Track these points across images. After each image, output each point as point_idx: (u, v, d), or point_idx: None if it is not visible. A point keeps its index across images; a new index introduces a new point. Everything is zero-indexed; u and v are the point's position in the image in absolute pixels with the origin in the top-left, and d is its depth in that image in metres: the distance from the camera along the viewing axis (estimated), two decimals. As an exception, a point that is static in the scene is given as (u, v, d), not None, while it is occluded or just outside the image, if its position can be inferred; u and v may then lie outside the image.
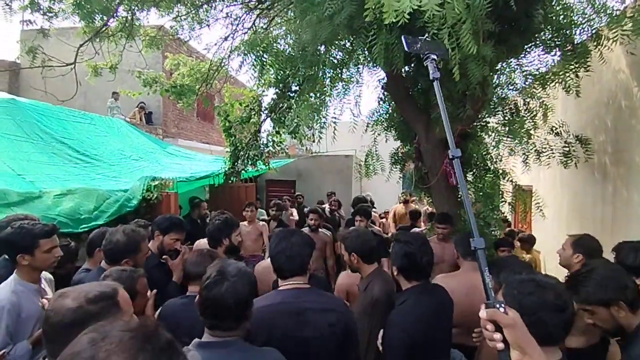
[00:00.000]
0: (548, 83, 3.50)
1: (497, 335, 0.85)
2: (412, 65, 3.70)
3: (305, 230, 4.46)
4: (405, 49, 1.32)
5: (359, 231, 2.35)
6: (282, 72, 4.18)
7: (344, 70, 3.59)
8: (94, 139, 5.55)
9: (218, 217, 3.07)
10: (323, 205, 7.08)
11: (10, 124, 4.50)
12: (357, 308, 2.12)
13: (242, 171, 5.37)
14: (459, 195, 3.88)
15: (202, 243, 3.42)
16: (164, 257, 2.59)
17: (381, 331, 1.88)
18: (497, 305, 0.88)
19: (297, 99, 3.98)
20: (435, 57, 1.30)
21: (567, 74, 3.31)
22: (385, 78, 3.86)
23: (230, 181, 5.63)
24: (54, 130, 4.99)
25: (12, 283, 1.90)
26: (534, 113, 3.95)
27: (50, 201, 3.18)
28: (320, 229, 4.52)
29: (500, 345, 0.85)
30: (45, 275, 2.16)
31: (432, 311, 1.86)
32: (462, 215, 3.76)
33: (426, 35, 2.22)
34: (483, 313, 0.88)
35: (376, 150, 4.83)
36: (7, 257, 2.16)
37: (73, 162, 4.70)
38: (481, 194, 3.92)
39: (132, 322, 0.75)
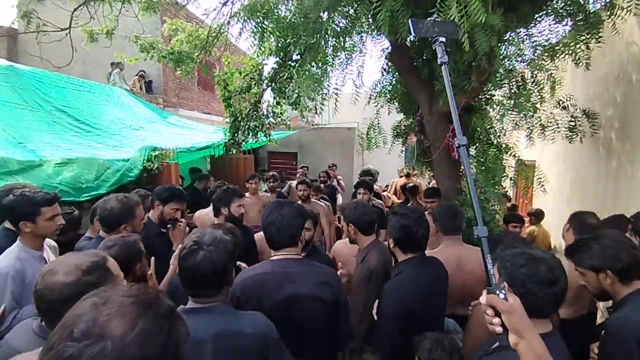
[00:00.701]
0: (557, 54, 3.39)
1: (496, 320, 0.89)
2: (418, 34, 3.58)
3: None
4: (412, 34, 1.27)
5: (358, 203, 2.37)
6: (283, 40, 4.06)
7: (347, 38, 3.47)
8: (93, 107, 5.49)
9: (217, 187, 3.08)
10: (324, 178, 7.07)
11: (10, 91, 4.44)
12: (354, 278, 2.16)
13: (243, 142, 5.33)
14: (461, 169, 3.86)
15: (203, 213, 3.46)
16: (166, 226, 2.62)
17: (377, 301, 1.92)
18: (497, 292, 0.91)
19: (299, 68, 3.88)
20: (444, 39, 1.25)
21: (578, 45, 3.20)
22: (390, 47, 3.74)
23: (230, 152, 5.60)
24: (54, 98, 4.93)
25: (16, 250, 1.93)
26: (541, 86, 3.85)
27: (51, 170, 3.19)
28: (314, 200, 4.56)
29: (499, 329, 0.89)
30: (49, 242, 2.19)
31: (427, 282, 1.89)
32: (462, 189, 3.75)
33: (435, 12, 2.14)
34: (483, 299, 0.92)
35: (378, 123, 4.76)
36: (6, 226, 2.19)
37: (73, 130, 4.67)
38: (483, 168, 3.89)
39: (133, 288, 0.76)
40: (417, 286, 1.85)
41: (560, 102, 4.04)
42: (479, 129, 3.99)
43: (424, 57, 3.68)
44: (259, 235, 3.10)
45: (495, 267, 1.30)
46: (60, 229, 2.12)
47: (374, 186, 5.29)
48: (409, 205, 5.02)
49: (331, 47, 3.47)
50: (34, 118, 4.38)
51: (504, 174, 3.96)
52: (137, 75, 9.57)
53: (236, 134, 5.12)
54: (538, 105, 3.84)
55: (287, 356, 1.46)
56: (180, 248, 1.43)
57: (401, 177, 7.37)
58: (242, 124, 5.10)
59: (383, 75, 4.44)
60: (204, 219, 3.51)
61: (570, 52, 3.29)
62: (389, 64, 4.17)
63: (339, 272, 2.32)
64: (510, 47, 3.54)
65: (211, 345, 1.29)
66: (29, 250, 1.95)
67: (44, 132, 4.23)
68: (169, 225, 2.60)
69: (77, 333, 0.63)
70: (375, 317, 1.92)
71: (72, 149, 4.02)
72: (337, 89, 3.58)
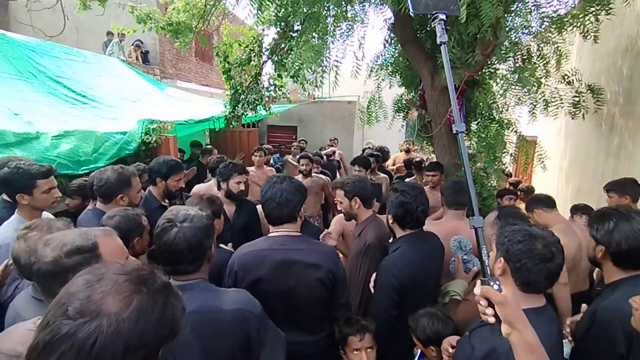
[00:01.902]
0: (565, 27, 3.28)
1: (490, 311, 0.90)
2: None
3: (299, 176, 4.50)
4: (411, 10, 1.20)
5: (360, 177, 2.38)
6: (282, 9, 3.93)
7: (348, 7, 3.36)
8: (89, 78, 5.37)
9: (217, 162, 3.06)
10: (323, 152, 7.05)
11: (2, 60, 4.34)
12: (351, 253, 2.19)
13: (243, 116, 5.27)
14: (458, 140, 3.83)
15: (202, 188, 3.47)
16: (174, 198, 2.66)
17: (374, 275, 1.95)
18: (492, 283, 0.92)
19: (299, 39, 3.77)
20: (444, 16, 1.18)
21: (587, 17, 3.10)
22: (392, 18, 3.63)
23: (231, 125, 5.54)
24: (48, 69, 4.82)
25: (15, 222, 1.95)
26: (547, 60, 3.75)
27: (48, 142, 3.16)
28: (314, 174, 4.56)
29: (492, 320, 0.89)
30: (46, 215, 2.20)
31: (423, 258, 1.92)
32: (462, 165, 3.74)
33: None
34: (478, 289, 0.92)
35: (379, 97, 4.68)
36: (4, 198, 2.20)
37: (69, 102, 4.59)
38: (484, 144, 3.86)
39: (127, 265, 0.76)
40: (414, 262, 1.87)
41: (565, 77, 3.96)
42: (481, 103, 3.93)
43: (428, 29, 3.58)
44: (260, 212, 3.11)
45: (494, 244, 1.31)
46: (56, 201, 2.12)
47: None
48: (410, 179, 5.02)
49: (332, 17, 3.36)
50: (29, 89, 4.30)
51: (505, 150, 3.94)
52: (132, 45, 9.34)
53: (236, 107, 5.04)
54: (543, 80, 3.76)
55: (271, 330, 1.42)
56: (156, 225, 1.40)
57: (401, 152, 7.34)
58: (242, 96, 5.01)
59: (385, 47, 4.33)
60: (206, 192, 3.52)
61: (579, 24, 3.19)
62: (392, 35, 4.06)
63: (323, 233, 2.36)
64: (516, 18, 3.43)
65: (190, 322, 1.28)
66: (26, 222, 1.96)
67: (40, 104, 4.15)
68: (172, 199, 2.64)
69: (71, 311, 0.64)
70: (372, 291, 1.96)
71: (69, 121, 3.97)
72: (337, 61, 3.50)
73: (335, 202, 2.41)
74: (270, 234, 1.77)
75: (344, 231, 2.75)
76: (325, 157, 6.63)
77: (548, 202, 2.59)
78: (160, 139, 4.11)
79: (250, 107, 5.12)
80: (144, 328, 0.67)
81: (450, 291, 1.92)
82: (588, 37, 3.30)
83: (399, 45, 3.98)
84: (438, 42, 1.17)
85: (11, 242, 1.82)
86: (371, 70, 4.51)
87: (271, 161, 6.08)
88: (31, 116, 3.71)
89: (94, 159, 3.43)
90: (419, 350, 1.61)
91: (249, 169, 4.18)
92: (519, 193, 4.68)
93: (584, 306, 1.51)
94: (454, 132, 1.11)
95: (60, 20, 4.48)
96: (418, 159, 5.32)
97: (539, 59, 3.74)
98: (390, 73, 4.47)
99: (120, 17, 5.64)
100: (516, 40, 3.59)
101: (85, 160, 3.35)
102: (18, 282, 1.79)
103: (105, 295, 0.67)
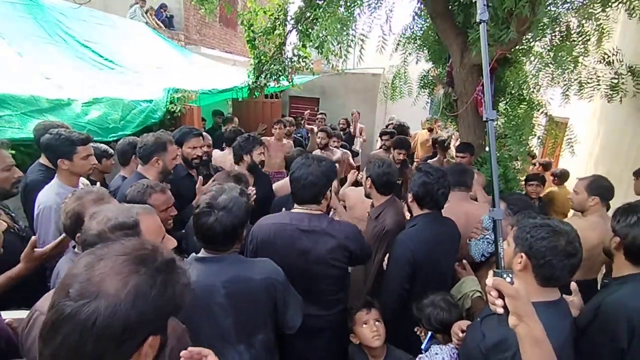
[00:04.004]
0: (610, 2, 3.07)
1: (499, 302, 0.91)
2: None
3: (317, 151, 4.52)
4: None
5: (384, 162, 2.27)
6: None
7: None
8: (116, 43, 5.41)
9: (234, 133, 3.12)
10: (339, 125, 6.98)
11: (32, 24, 4.40)
12: (366, 234, 2.22)
13: (266, 86, 5.24)
14: (487, 128, 3.73)
15: (219, 154, 3.56)
16: (192, 167, 2.75)
17: (387, 255, 2.00)
18: (505, 275, 0.92)
19: (326, 9, 3.66)
20: None
21: (635, -7, 2.89)
22: (424, -11, 3.47)
23: (254, 96, 5.53)
24: (77, 32, 4.87)
25: (55, 186, 2.08)
26: (587, 37, 3.53)
27: (79, 109, 3.25)
28: (333, 147, 4.58)
29: (501, 311, 0.91)
30: (83, 181, 2.33)
31: (439, 236, 1.95)
32: (485, 146, 3.66)
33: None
34: (490, 281, 0.93)
35: (405, 71, 4.56)
36: (41, 161, 2.32)
37: (98, 67, 4.66)
38: (511, 125, 3.74)
39: (129, 244, 0.78)
40: (429, 240, 1.90)
41: (605, 57, 3.73)
42: (511, 82, 3.78)
43: (460, 2, 3.41)
44: (280, 184, 3.18)
45: (510, 234, 1.32)
46: (92, 168, 2.24)
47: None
48: (435, 159, 4.96)
49: (361, -14, 3.25)
50: (58, 52, 4.38)
51: (533, 132, 3.82)
52: (150, 9, 9.18)
53: (260, 77, 5.01)
54: (580, 59, 3.57)
55: (293, 295, 1.58)
56: (195, 205, 1.49)
57: (424, 129, 7.21)
58: (265, 67, 4.97)
59: (414, 19, 4.17)
60: (222, 160, 3.62)
61: (625, 0, 2.98)
62: (422, 7, 3.89)
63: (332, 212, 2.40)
64: (558, -8, 3.22)
65: (223, 290, 1.41)
66: (65, 187, 2.08)
67: (69, 68, 4.23)
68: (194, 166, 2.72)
69: (73, 293, 0.66)
70: (385, 267, 2.01)
71: (97, 87, 4.05)
72: (363, 35, 3.40)
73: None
74: (292, 210, 1.83)
75: (352, 203, 2.82)
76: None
77: (609, 196, 2.47)
78: (185, 108, 4.16)
79: (274, 77, 5.08)
80: (142, 308, 0.69)
81: (468, 292, 1.89)
82: (634, 14, 3.08)
83: (429, 19, 3.83)
84: (477, 20, 1.10)
85: (53, 205, 1.96)
86: (398, 43, 4.38)
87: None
88: (61, 80, 3.80)
89: (122, 127, 3.52)
90: (430, 333, 1.67)
91: (266, 139, 4.24)
92: (552, 178, 4.56)
93: (573, 285, 1.50)
94: (484, 119, 1.09)
95: (87, -17, 4.48)
96: (443, 138, 5.22)
97: (578, 37, 3.53)
98: (418, 47, 4.33)
99: (146, -19, 5.60)
100: (555, 15, 3.39)
101: (113, 128, 3.44)
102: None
103: (104, 276, 0.69)
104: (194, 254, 1.51)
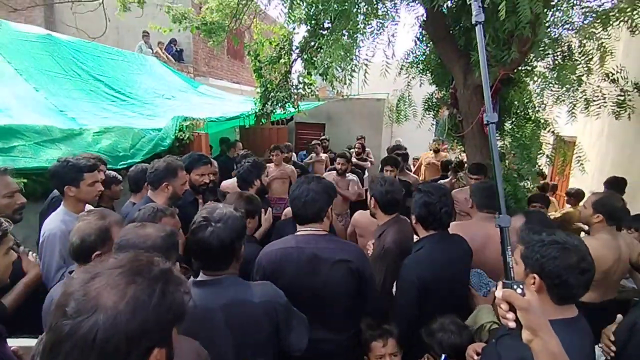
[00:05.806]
0: (611, 21, 3.10)
1: (510, 315, 0.85)
2: (456, 0, 3.37)
3: (332, 174, 4.50)
4: None
5: (387, 180, 2.28)
6: (313, 7, 3.94)
7: (379, 5, 3.33)
8: (127, 76, 5.63)
9: (246, 159, 3.15)
10: (351, 150, 7.03)
11: (49, 60, 4.61)
12: (371, 256, 2.17)
13: (272, 113, 5.34)
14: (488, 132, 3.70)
15: (229, 183, 3.56)
16: (199, 192, 2.75)
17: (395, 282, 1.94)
18: (515, 286, 0.86)
19: (329, 37, 3.77)
20: None
21: (636, 11, 2.91)
22: (425, 15, 3.56)
23: (260, 123, 5.63)
24: (90, 67, 5.08)
25: (61, 213, 2.09)
26: (590, 57, 3.55)
27: (90, 138, 3.34)
28: (347, 173, 4.56)
29: (512, 324, 0.85)
30: (89, 208, 2.34)
31: (447, 259, 1.89)
32: (493, 166, 3.62)
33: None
34: (499, 293, 0.87)
35: (409, 95, 4.61)
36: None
37: (109, 99, 4.83)
38: (518, 144, 3.71)
39: (123, 257, 0.77)
40: (437, 262, 1.85)
41: (610, 75, 3.74)
42: (516, 102, 3.79)
43: (461, 26, 3.48)
44: (289, 210, 3.17)
45: (517, 253, 1.26)
46: (99, 195, 2.26)
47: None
48: (446, 180, 4.91)
49: (363, 14, 3.34)
50: (73, 87, 4.55)
51: (540, 151, 3.78)
52: (160, 44, 9.53)
53: (266, 104, 5.12)
54: (584, 78, 3.57)
55: (297, 317, 1.52)
56: (192, 222, 1.48)
57: (430, 151, 7.20)
58: (272, 94, 5.08)
59: (416, 44, 4.26)
60: (232, 188, 3.61)
61: (627, 18, 3.00)
62: (423, 32, 3.98)
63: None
64: (557, 13, 3.27)
65: (222, 314, 1.36)
66: (71, 214, 2.09)
67: (83, 101, 4.40)
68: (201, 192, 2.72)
69: (70, 311, 0.65)
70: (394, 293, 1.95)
71: (109, 118, 4.18)
72: (367, 59, 3.47)
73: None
74: (297, 233, 1.80)
75: (362, 229, 2.78)
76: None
77: (616, 215, 2.37)
78: (193, 135, 4.24)
79: (280, 104, 5.18)
80: (143, 317, 0.68)
81: (484, 324, 1.78)
82: (636, 32, 3.10)
83: (431, 43, 3.90)
84: (473, 22, 1.09)
85: (57, 232, 1.96)
86: (401, 68, 4.45)
87: (293, 158, 6.12)
88: (74, 113, 3.93)
89: (132, 155, 3.59)
90: (444, 356, 1.59)
91: (268, 165, 4.27)
92: (567, 198, 4.46)
93: (619, 317, 1.44)
94: (485, 122, 1.05)
95: (102, 21, 4.69)
96: (458, 160, 5.20)
97: (580, 56, 3.55)
98: (421, 71, 4.39)
99: (157, 17, 5.84)
100: (556, 36, 3.44)
101: (123, 155, 3.51)
102: (63, 270, 1.92)
103: (100, 291, 0.68)
104: (192, 278, 1.47)
